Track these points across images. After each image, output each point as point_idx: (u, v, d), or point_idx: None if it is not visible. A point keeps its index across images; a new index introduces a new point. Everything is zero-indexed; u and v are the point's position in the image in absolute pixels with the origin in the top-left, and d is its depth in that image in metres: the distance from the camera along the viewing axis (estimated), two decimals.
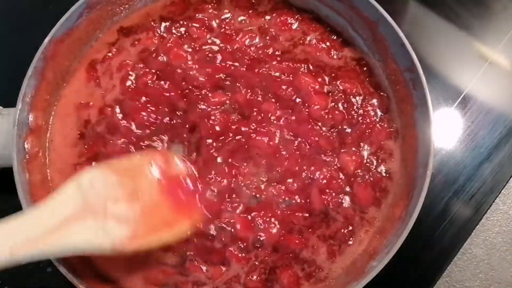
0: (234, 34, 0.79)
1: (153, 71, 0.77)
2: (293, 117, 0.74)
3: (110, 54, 0.79)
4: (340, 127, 0.75)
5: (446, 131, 0.86)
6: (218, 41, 0.79)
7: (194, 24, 0.80)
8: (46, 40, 0.70)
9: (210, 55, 0.78)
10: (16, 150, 0.66)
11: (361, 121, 0.75)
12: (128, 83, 0.77)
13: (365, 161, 0.74)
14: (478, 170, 0.84)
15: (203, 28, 0.80)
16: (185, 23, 0.81)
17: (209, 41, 0.79)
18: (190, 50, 0.78)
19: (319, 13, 0.81)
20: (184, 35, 0.80)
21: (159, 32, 0.80)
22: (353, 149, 0.74)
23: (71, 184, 0.60)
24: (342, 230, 0.71)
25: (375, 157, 0.74)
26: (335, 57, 0.79)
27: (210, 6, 0.82)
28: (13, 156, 0.65)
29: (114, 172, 0.64)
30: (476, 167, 0.84)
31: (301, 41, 0.80)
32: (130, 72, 0.77)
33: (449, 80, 0.90)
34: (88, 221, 0.59)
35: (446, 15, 0.94)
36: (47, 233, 0.55)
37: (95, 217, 0.59)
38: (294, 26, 0.81)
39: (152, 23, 0.81)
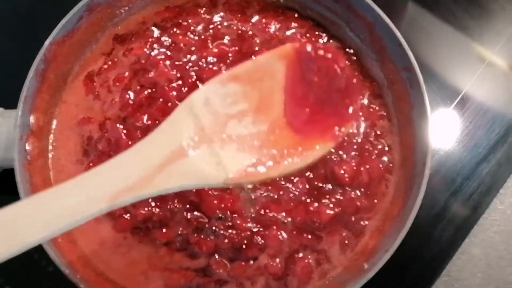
0: (210, 40, 0.80)
1: (147, 87, 0.77)
2: None
3: (105, 66, 0.79)
4: None
5: (444, 131, 0.87)
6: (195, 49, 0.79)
7: (180, 31, 0.81)
8: (47, 42, 0.70)
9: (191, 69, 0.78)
10: (18, 152, 0.66)
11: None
12: (127, 98, 0.76)
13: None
14: (476, 170, 0.84)
15: (188, 34, 0.81)
16: (173, 30, 0.81)
17: (192, 48, 0.80)
18: (175, 64, 0.78)
19: (319, 16, 0.82)
20: (172, 46, 0.80)
21: (150, 41, 0.81)
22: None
23: (180, 108, 0.51)
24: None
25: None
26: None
27: (203, 11, 0.83)
28: (15, 158, 0.66)
29: (236, 80, 0.53)
30: (474, 167, 0.84)
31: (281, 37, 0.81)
32: (127, 87, 0.77)
33: (447, 81, 0.90)
34: (200, 154, 0.49)
35: (444, 16, 0.95)
36: (152, 173, 0.47)
37: (210, 146, 0.50)
38: (278, 27, 0.82)
39: (146, 31, 0.81)
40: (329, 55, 0.54)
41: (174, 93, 0.75)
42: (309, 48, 0.54)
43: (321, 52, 0.54)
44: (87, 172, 0.47)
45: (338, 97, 0.55)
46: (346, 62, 0.56)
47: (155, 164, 0.47)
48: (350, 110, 0.55)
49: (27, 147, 0.68)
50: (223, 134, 0.51)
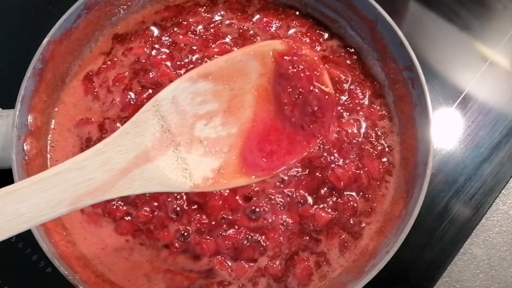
0: (211, 40, 0.80)
1: (148, 87, 0.77)
2: None
3: (105, 66, 0.79)
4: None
5: (446, 131, 0.86)
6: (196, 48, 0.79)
7: (181, 31, 0.81)
8: (45, 41, 0.70)
9: (192, 67, 0.77)
10: (16, 152, 0.66)
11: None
12: (128, 98, 0.76)
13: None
14: (478, 170, 0.83)
15: (189, 34, 0.80)
16: (174, 29, 0.81)
17: (194, 47, 0.79)
18: (177, 64, 0.78)
19: (320, 14, 0.82)
20: (172, 45, 0.80)
21: (150, 41, 0.80)
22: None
23: (145, 108, 0.48)
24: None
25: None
26: (318, 49, 0.80)
27: (203, 10, 0.82)
28: (13, 158, 0.65)
29: (207, 78, 0.49)
30: (476, 167, 0.84)
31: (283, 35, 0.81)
32: (127, 87, 0.77)
33: (449, 80, 0.90)
34: (166, 159, 0.47)
35: (446, 15, 0.94)
36: (115, 178, 0.45)
37: (176, 150, 0.48)
38: (278, 25, 0.82)
39: (146, 30, 0.81)
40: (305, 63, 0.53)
41: None
42: (287, 58, 0.52)
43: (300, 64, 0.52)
44: (49, 171, 0.45)
45: (310, 119, 0.54)
46: (321, 68, 0.54)
47: (118, 168, 0.46)
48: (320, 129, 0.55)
49: (25, 147, 0.68)
50: (190, 136, 0.49)
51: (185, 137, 0.49)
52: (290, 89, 0.52)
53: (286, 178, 0.71)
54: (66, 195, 0.44)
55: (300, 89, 0.52)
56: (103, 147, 0.46)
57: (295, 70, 0.51)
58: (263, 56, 0.51)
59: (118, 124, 0.74)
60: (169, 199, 0.70)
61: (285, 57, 0.51)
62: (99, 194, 0.45)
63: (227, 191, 0.68)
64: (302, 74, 0.52)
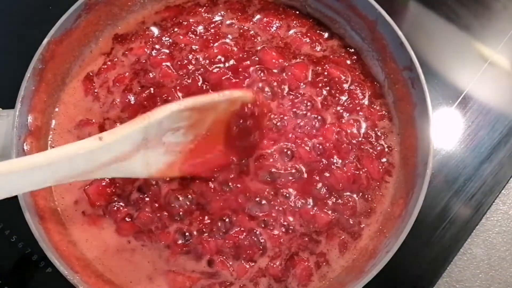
0: (211, 40, 0.80)
1: (148, 87, 0.77)
2: None
3: (105, 66, 0.79)
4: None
5: (446, 131, 0.86)
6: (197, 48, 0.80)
7: (182, 31, 0.81)
8: (45, 41, 0.70)
9: (192, 68, 0.78)
10: (16, 152, 0.66)
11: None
12: (128, 99, 0.76)
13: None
14: (478, 170, 0.83)
15: (189, 34, 0.81)
16: (174, 30, 0.81)
17: (193, 47, 0.80)
18: (178, 64, 0.78)
19: (320, 14, 0.82)
20: (173, 46, 0.80)
21: (150, 41, 0.81)
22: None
23: (137, 128, 0.58)
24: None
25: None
26: (318, 49, 0.80)
27: (203, 10, 0.82)
28: (13, 158, 0.65)
29: (191, 110, 0.62)
30: (476, 167, 0.84)
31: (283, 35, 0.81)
32: (128, 87, 0.77)
33: (449, 80, 0.90)
34: (137, 158, 0.60)
35: (446, 15, 0.94)
36: (95, 169, 0.57)
37: (145, 151, 0.60)
38: (279, 25, 0.82)
39: (146, 30, 0.81)
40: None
41: (180, 94, 0.75)
42: (246, 109, 0.67)
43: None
44: (43, 154, 0.54)
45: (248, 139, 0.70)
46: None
47: (101, 163, 0.57)
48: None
49: (25, 147, 0.68)
50: (159, 141, 0.62)
51: (155, 142, 0.61)
52: (240, 121, 0.67)
53: (286, 178, 0.71)
54: (53, 177, 0.54)
55: (247, 123, 0.68)
56: (96, 149, 0.56)
57: (248, 112, 0.67)
58: (234, 101, 0.66)
59: (118, 125, 0.74)
60: (169, 199, 0.70)
61: (248, 105, 0.67)
62: (77, 177, 0.57)
63: (230, 190, 0.71)
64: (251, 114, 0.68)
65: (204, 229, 0.69)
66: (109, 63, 0.79)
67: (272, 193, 0.71)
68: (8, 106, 0.71)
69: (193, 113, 0.62)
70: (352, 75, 0.79)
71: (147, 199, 0.70)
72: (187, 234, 0.69)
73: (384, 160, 0.74)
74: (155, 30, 0.82)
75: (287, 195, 0.71)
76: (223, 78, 0.76)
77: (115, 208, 0.70)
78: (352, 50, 0.80)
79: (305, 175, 0.72)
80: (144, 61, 0.79)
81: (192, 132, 0.64)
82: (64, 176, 0.55)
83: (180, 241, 0.69)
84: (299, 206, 0.70)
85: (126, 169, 0.60)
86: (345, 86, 0.78)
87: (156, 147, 0.62)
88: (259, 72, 0.77)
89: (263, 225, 0.69)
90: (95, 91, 0.77)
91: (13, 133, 0.66)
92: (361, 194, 0.72)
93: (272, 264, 0.68)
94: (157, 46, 0.80)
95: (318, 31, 0.82)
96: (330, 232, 0.70)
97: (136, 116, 0.73)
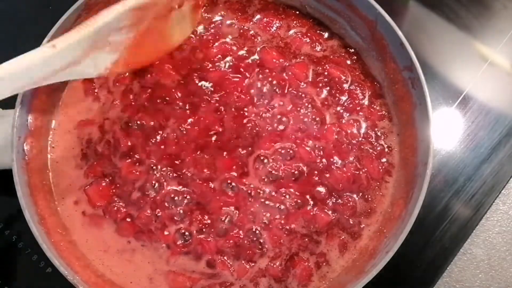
0: (211, 40, 0.80)
1: (148, 87, 0.76)
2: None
3: None
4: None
5: (446, 131, 0.86)
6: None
7: None
8: (45, 41, 0.69)
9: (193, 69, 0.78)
10: (16, 152, 0.66)
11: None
12: (128, 99, 0.76)
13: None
14: (478, 170, 0.83)
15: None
16: None
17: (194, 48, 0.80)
18: (177, 64, 0.78)
19: (320, 14, 0.82)
20: None
21: None
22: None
23: (89, 28, 0.61)
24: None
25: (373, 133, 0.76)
26: (318, 49, 0.80)
27: (203, 10, 0.82)
28: (13, 158, 0.65)
29: (134, 8, 0.65)
30: (476, 167, 0.84)
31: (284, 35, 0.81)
32: (128, 87, 0.77)
33: (449, 80, 0.90)
34: (87, 62, 0.63)
35: (446, 15, 0.94)
36: (49, 75, 0.60)
37: (93, 53, 0.64)
38: (279, 25, 0.82)
39: None
40: None
41: (179, 94, 0.75)
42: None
43: None
44: (1, 67, 0.57)
45: None
46: None
47: (54, 70, 0.61)
48: None
49: (25, 147, 0.68)
50: (105, 41, 0.65)
51: (101, 43, 0.65)
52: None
53: (286, 178, 0.71)
54: (12, 86, 0.58)
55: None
56: (50, 56, 0.59)
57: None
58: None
59: (118, 125, 0.74)
60: (169, 199, 0.70)
61: None
62: (32, 84, 0.60)
63: (230, 190, 0.71)
64: None
65: (204, 229, 0.69)
66: None
67: (272, 193, 0.71)
68: (8, 106, 0.71)
69: (137, 12, 0.65)
70: (352, 75, 0.79)
71: (147, 199, 0.70)
72: (187, 234, 0.69)
73: (384, 160, 0.74)
74: None
75: (287, 195, 0.71)
76: (223, 78, 0.76)
77: (115, 209, 0.70)
78: (352, 50, 0.80)
79: (305, 175, 0.72)
80: None
81: (135, 28, 0.68)
82: (21, 86, 0.59)
83: (180, 241, 0.69)
84: (299, 206, 0.70)
85: (78, 72, 0.64)
86: (345, 86, 0.78)
87: (103, 48, 0.65)
88: (259, 71, 0.77)
89: (263, 225, 0.69)
90: (95, 91, 0.77)
91: (13, 133, 0.66)
92: (361, 194, 0.72)
93: (272, 265, 0.68)
94: None
95: (318, 31, 0.82)
96: (330, 232, 0.70)
97: (136, 116, 0.74)
